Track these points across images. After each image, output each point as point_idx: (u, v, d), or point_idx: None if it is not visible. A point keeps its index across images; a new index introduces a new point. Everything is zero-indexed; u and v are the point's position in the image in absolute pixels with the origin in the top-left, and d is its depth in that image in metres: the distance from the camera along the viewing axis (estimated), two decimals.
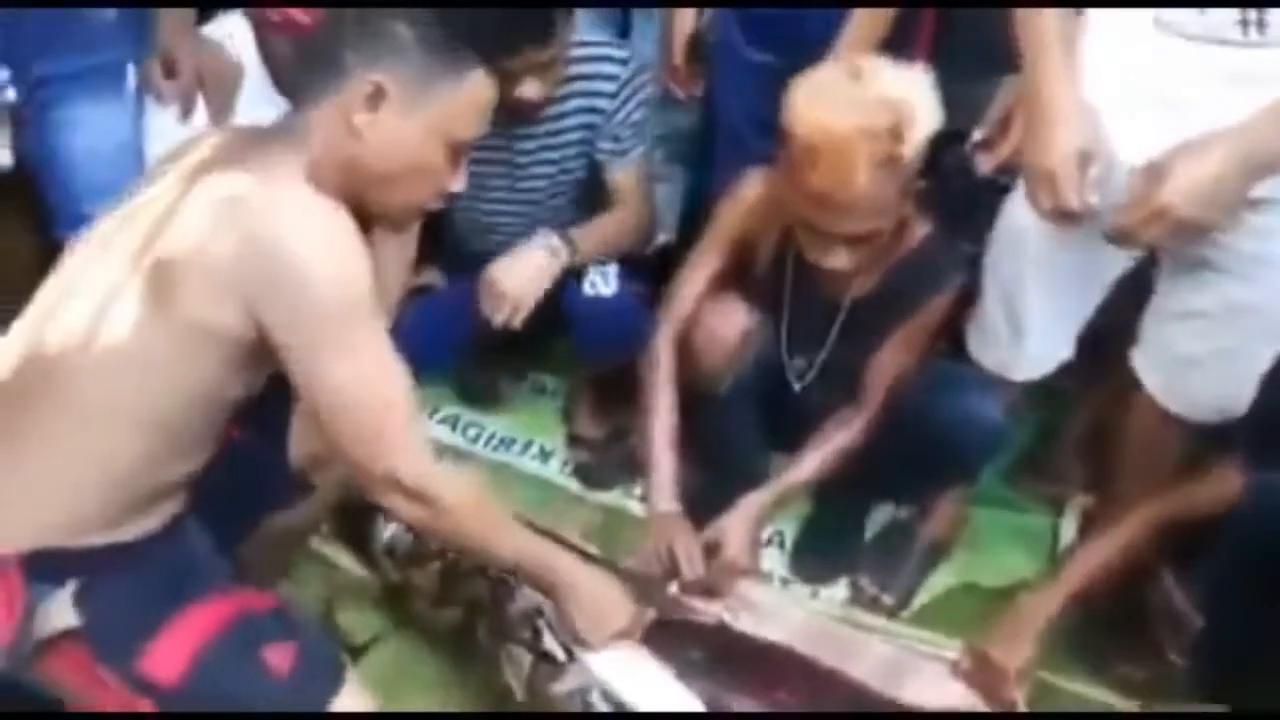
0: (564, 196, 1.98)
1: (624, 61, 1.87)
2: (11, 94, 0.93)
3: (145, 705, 1.21)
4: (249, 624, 1.26)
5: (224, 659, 1.23)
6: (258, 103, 1.70)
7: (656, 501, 1.73)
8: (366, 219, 1.31)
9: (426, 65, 1.21)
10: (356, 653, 1.67)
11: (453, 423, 2.20)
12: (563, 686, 1.41)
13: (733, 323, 1.73)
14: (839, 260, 1.57)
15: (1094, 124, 1.40)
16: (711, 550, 1.68)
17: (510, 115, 1.74)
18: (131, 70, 1.63)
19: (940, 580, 1.92)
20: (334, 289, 1.15)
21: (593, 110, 1.87)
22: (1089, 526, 1.92)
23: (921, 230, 1.69)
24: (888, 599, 1.87)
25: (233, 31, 1.72)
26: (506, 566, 1.39)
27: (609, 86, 1.86)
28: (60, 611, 1.20)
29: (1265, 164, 1.31)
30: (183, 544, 1.31)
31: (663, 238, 2.14)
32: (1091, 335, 1.71)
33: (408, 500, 1.24)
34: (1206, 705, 1.49)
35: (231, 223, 1.15)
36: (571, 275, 1.89)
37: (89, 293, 1.22)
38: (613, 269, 1.90)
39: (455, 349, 2.09)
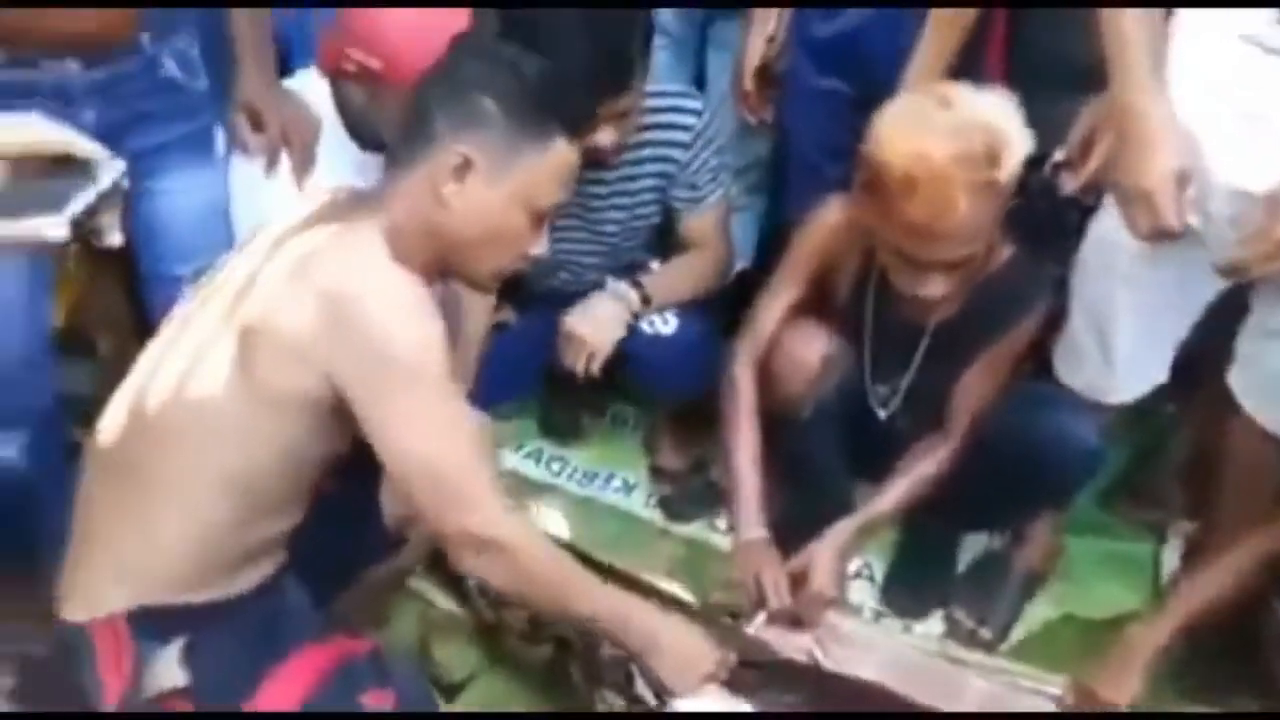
0: (638, 239, 1.99)
1: (698, 112, 1.88)
2: (126, 182, 0.96)
3: None
4: (348, 672, 1.29)
5: (326, 708, 1.26)
6: (335, 152, 1.73)
7: (742, 528, 1.73)
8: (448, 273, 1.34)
9: (511, 136, 1.25)
10: (453, 690, 1.68)
11: (537, 457, 2.22)
12: None
13: (813, 347, 1.72)
14: (934, 288, 1.55)
15: (1189, 142, 1.36)
16: (798, 580, 1.67)
17: (585, 161, 1.76)
18: (220, 132, 1.67)
19: (1038, 612, 1.87)
20: (405, 355, 1.19)
21: (667, 159, 1.88)
22: (1192, 554, 1.86)
23: (1005, 253, 1.66)
24: (985, 632, 1.83)
25: (308, 85, 1.76)
26: (584, 622, 1.38)
27: (683, 136, 1.87)
28: (168, 670, 1.24)
29: None
30: (280, 598, 1.35)
31: (740, 264, 2.13)
32: (1189, 355, 1.66)
33: (482, 554, 1.25)
34: None
35: (308, 289, 1.19)
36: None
37: (182, 357, 1.26)
38: (672, 307, 1.90)
39: (532, 384, 2.12)
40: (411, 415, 1.20)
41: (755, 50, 1.96)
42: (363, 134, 1.70)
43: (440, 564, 1.82)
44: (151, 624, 1.25)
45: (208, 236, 1.60)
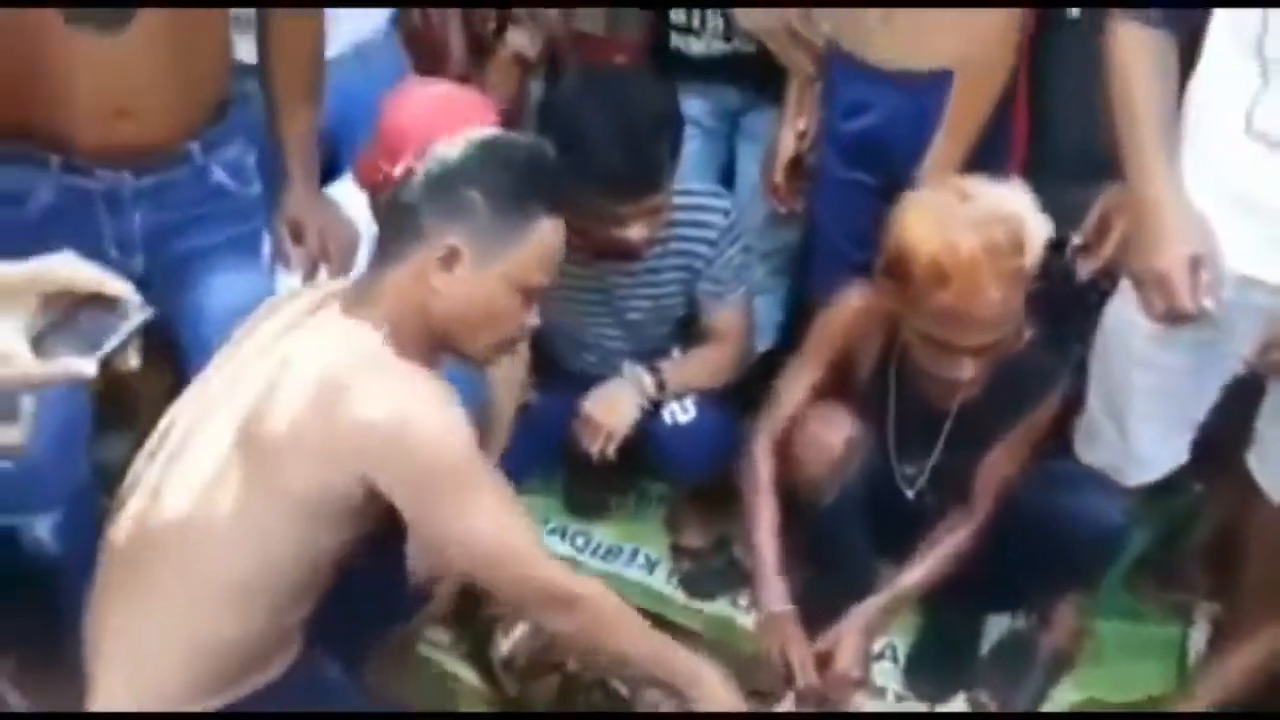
0: (664, 326, 2.03)
1: (725, 211, 1.92)
2: (149, 313, 1.01)
3: None
4: None
5: None
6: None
7: (766, 602, 1.74)
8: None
9: (496, 223, 1.27)
10: None
11: (561, 532, 2.23)
12: None
13: (837, 430, 1.74)
14: (964, 371, 1.58)
15: (1203, 227, 1.39)
16: (824, 661, 1.67)
17: (614, 254, 1.83)
18: (267, 236, 1.71)
19: (1064, 696, 1.86)
20: (443, 454, 1.22)
21: (693, 254, 1.92)
22: (1219, 637, 1.84)
23: (1026, 334, 1.68)
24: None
25: (349, 192, 1.80)
26: (641, 665, 1.43)
27: (710, 234, 1.91)
28: None
29: None
30: (311, 677, 1.36)
31: (764, 344, 2.16)
32: (1212, 435, 1.67)
33: (563, 611, 1.30)
34: None
35: (329, 403, 1.19)
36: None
37: (192, 466, 1.27)
38: (691, 396, 1.93)
39: (554, 462, 2.15)
40: (461, 507, 1.24)
41: (787, 144, 2.02)
42: None
43: (465, 642, 1.86)
44: None
45: None
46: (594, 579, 1.37)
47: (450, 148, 1.30)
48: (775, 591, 1.73)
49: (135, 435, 2.02)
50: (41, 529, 1.57)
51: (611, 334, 2.02)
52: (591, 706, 1.59)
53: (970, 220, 1.48)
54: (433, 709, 1.77)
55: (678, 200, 1.85)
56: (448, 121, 1.56)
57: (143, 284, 1.63)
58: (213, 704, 1.28)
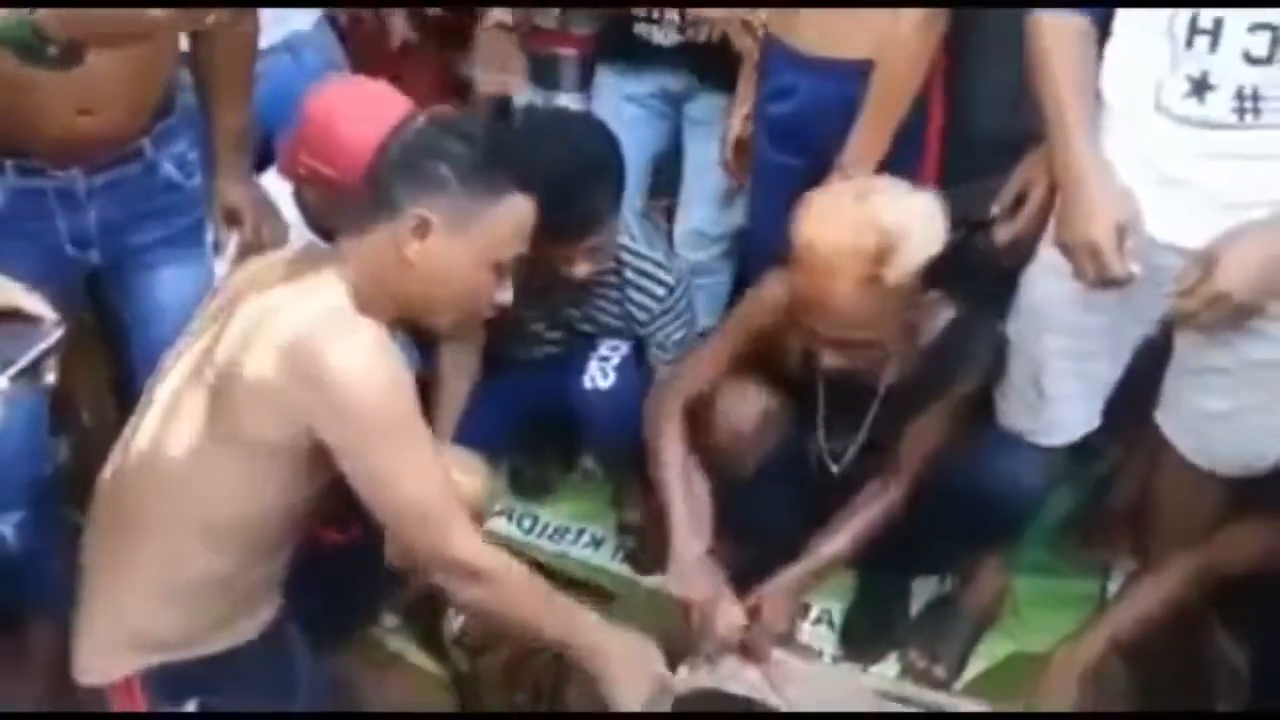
0: (600, 329, 2.09)
1: (669, 287, 1.99)
2: (62, 332, 1.04)
3: None
4: None
5: None
6: None
7: (678, 550, 1.75)
8: (425, 334, 1.42)
9: (467, 197, 1.31)
10: None
11: (509, 515, 2.27)
12: None
13: (749, 404, 1.81)
14: (829, 360, 1.65)
15: (1127, 197, 1.46)
16: (751, 616, 1.74)
17: (554, 285, 1.90)
18: (209, 226, 1.75)
19: (990, 650, 1.94)
20: (382, 404, 1.25)
21: (636, 306, 2.00)
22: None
23: (947, 315, 1.75)
24: (939, 670, 1.89)
25: (277, 181, 1.85)
26: (552, 638, 1.46)
27: (650, 303, 1.99)
28: None
29: None
30: (287, 656, 1.41)
31: (705, 322, 2.22)
32: (1126, 398, 1.74)
33: (468, 579, 1.33)
34: None
35: (278, 344, 1.25)
36: (576, 369, 2.00)
37: (158, 415, 1.34)
38: (613, 362, 2.00)
39: (502, 444, 2.18)
40: (393, 462, 1.27)
41: (735, 126, 2.09)
42: (320, 228, 1.78)
43: (417, 624, 1.90)
44: (165, 684, 1.32)
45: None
46: (503, 553, 1.40)
47: (417, 124, 1.35)
48: (685, 536, 1.75)
49: (79, 440, 2.06)
50: (4, 527, 1.61)
51: (550, 336, 2.09)
52: (540, 678, 1.64)
53: (849, 220, 1.54)
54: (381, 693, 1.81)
55: (626, 257, 1.95)
56: (364, 116, 1.62)
57: (95, 279, 1.69)
58: (192, 652, 1.32)
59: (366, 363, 1.25)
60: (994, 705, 1.78)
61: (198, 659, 1.33)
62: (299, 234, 1.81)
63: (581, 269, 1.86)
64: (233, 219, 1.75)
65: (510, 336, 2.06)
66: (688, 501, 1.78)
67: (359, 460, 1.27)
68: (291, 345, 1.24)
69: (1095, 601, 2.02)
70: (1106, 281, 1.46)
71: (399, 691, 1.84)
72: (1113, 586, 2.03)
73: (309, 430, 1.26)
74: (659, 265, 1.99)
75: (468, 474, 1.65)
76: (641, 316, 1.99)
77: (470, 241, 1.32)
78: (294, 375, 1.24)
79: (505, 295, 1.40)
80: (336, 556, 1.48)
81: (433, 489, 1.31)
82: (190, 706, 1.31)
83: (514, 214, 1.35)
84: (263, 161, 1.89)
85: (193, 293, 1.59)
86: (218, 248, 1.75)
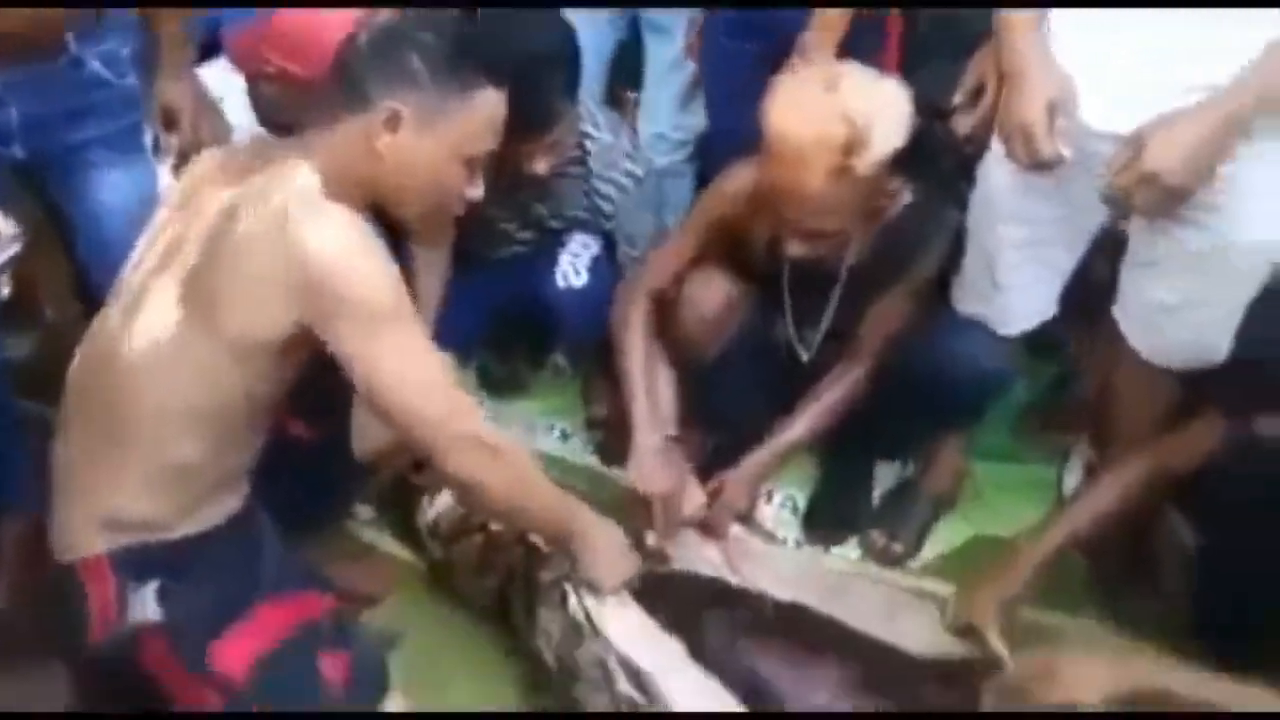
0: (568, 224, 2.08)
1: (637, 178, 1.97)
2: (20, 246, 1.05)
3: (213, 699, 1.35)
4: (309, 631, 1.39)
5: (283, 665, 1.36)
6: None
7: (639, 434, 1.77)
8: (397, 229, 1.41)
9: (438, 90, 1.31)
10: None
11: None
12: (586, 654, 1.51)
13: (714, 290, 1.83)
14: (795, 250, 1.66)
15: (1061, 79, 1.48)
16: (712, 499, 1.79)
17: (520, 183, 1.88)
18: (148, 129, 1.74)
19: (950, 533, 2.00)
20: (376, 290, 1.26)
21: (602, 202, 1.98)
22: (1091, 476, 1.98)
23: (906, 198, 1.75)
24: (897, 547, 1.95)
25: (222, 75, 1.83)
26: (542, 519, 1.51)
27: (618, 194, 1.98)
28: (147, 607, 1.34)
29: (1239, 127, 1.39)
30: (254, 543, 1.44)
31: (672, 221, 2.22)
32: (1084, 292, 1.77)
33: (482, 453, 1.35)
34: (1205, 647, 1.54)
35: (269, 241, 1.24)
36: (548, 267, 2.00)
37: (127, 307, 1.34)
38: (584, 260, 2.01)
39: (471, 341, 2.21)
40: (392, 345, 1.27)
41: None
42: (276, 124, 1.76)
43: (391, 513, 1.93)
44: (131, 564, 1.34)
45: (142, 224, 1.66)
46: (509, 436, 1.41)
47: (387, 24, 1.33)
48: (645, 425, 1.78)
49: (42, 336, 2.06)
50: None
51: (520, 235, 2.08)
52: (512, 563, 1.68)
53: (820, 110, 1.53)
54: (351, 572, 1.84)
55: (592, 147, 1.93)
56: (335, 16, 1.59)
57: (25, 172, 1.68)
58: (159, 536, 1.35)
59: (352, 244, 1.26)
60: (952, 586, 1.82)
61: (164, 543, 1.35)
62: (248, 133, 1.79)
63: (542, 165, 1.86)
64: (170, 119, 1.73)
65: (480, 236, 2.05)
66: (650, 393, 1.80)
67: (358, 346, 1.27)
68: (268, 236, 1.24)
69: (1053, 487, 2.08)
70: (1038, 164, 1.48)
71: (373, 579, 1.88)
72: (1069, 472, 2.08)
73: (293, 321, 1.26)
74: (625, 155, 1.98)
75: None
76: (608, 208, 1.99)
77: (441, 136, 1.32)
78: (274, 266, 1.24)
79: (476, 191, 1.40)
80: (307, 450, 1.50)
81: (434, 367, 1.32)
82: (154, 587, 1.34)
83: (486, 108, 1.35)
84: (206, 52, 1.86)
85: (136, 193, 1.60)
86: (158, 148, 1.74)
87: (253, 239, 1.25)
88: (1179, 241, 1.52)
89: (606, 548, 1.52)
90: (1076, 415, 2.13)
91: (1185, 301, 1.57)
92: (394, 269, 1.29)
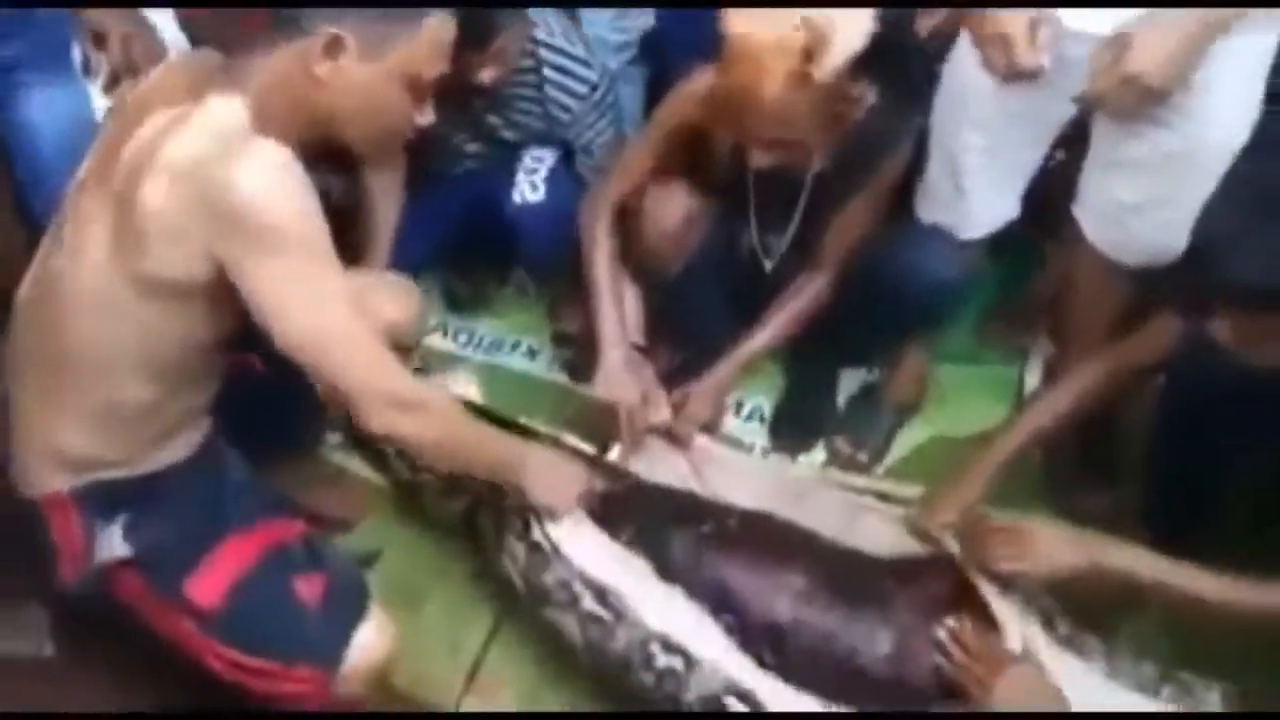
0: (524, 138, 2.04)
1: (591, 85, 1.92)
2: None
3: (190, 627, 1.36)
4: (281, 556, 1.39)
5: (259, 589, 1.36)
6: None
7: (605, 348, 1.79)
8: (346, 155, 1.37)
9: (383, 14, 1.24)
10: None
11: (444, 330, 2.29)
12: (551, 577, 1.54)
13: (674, 205, 1.81)
14: (759, 160, 1.64)
15: None
16: (677, 410, 1.81)
17: (469, 92, 1.83)
18: (75, 47, 1.69)
19: (913, 435, 2.03)
20: (293, 234, 1.20)
21: (555, 104, 1.93)
22: (1051, 374, 2.01)
23: (869, 100, 1.72)
24: (862, 455, 1.99)
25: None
26: (477, 463, 1.50)
27: (572, 103, 1.93)
28: (113, 543, 1.34)
29: (1221, 28, 1.38)
30: (219, 475, 1.43)
31: (629, 132, 2.18)
32: (1051, 191, 1.76)
33: (406, 412, 1.31)
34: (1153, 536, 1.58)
35: (176, 170, 1.19)
36: (505, 184, 1.98)
37: (66, 239, 1.29)
38: (541, 174, 1.98)
39: (431, 258, 2.19)
40: (306, 297, 1.22)
41: None
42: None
43: (358, 438, 1.94)
44: (95, 500, 1.34)
45: (75, 146, 1.62)
46: (423, 383, 1.39)
47: None
48: (612, 343, 1.78)
49: None
50: None
51: (471, 148, 2.04)
52: (478, 486, 1.68)
53: (779, 15, 1.49)
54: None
55: (544, 54, 1.88)
56: None
57: None
58: (120, 473, 1.34)
59: (269, 183, 1.19)
60: (917, 488, 1.85)
61: (127, 479, 1.35)
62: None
63: (489, 74, 1.81)
64: (99, 38, 1.69)
65: (432, 151, 2.01)
66: (616, 307, 1.80)
67: (274, 294, 1.22)
68: (188, 172, 1.19)
69: (1013, 386, 2.10)
70: (1016, 73, 1.45)
71: (346, 505, 1.90)
72: (1029, 370, 2.11)
73: (211, 264, 1.22)
74: (579, 61, 1.93)
75: (400, 299, 1.65)
76: (564, 117, 1.94)
77: (386, 60, 1.26)
78: (192, 202, 1.19)
79: (426, 116, 1.34)
80: (269, 382, 1.49)
81: (356, 325, 1.27)
82: (120, 522, 1.34)
83: (433, 32, 1.28)
84: None
85: (67, 114, 1.56)
86: (88, 69, 1.69)
87: (173, 175, 1.19)
88: (1148, 143, 1.51)
89: (548, 474, 1.52)
90: (1035, 313, 2.15)
91: (1149, 201, 1.57)
92: (315, 210, 1.23)
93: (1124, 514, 1.76)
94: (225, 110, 1.23)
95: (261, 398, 1.47)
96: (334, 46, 1.23)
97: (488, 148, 2.04)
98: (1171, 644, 1.58)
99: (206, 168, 1.19)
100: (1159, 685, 1.48)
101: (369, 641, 1.38)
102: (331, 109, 1.28)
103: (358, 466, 1.96)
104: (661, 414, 1.78)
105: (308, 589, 1.38)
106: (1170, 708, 1.45)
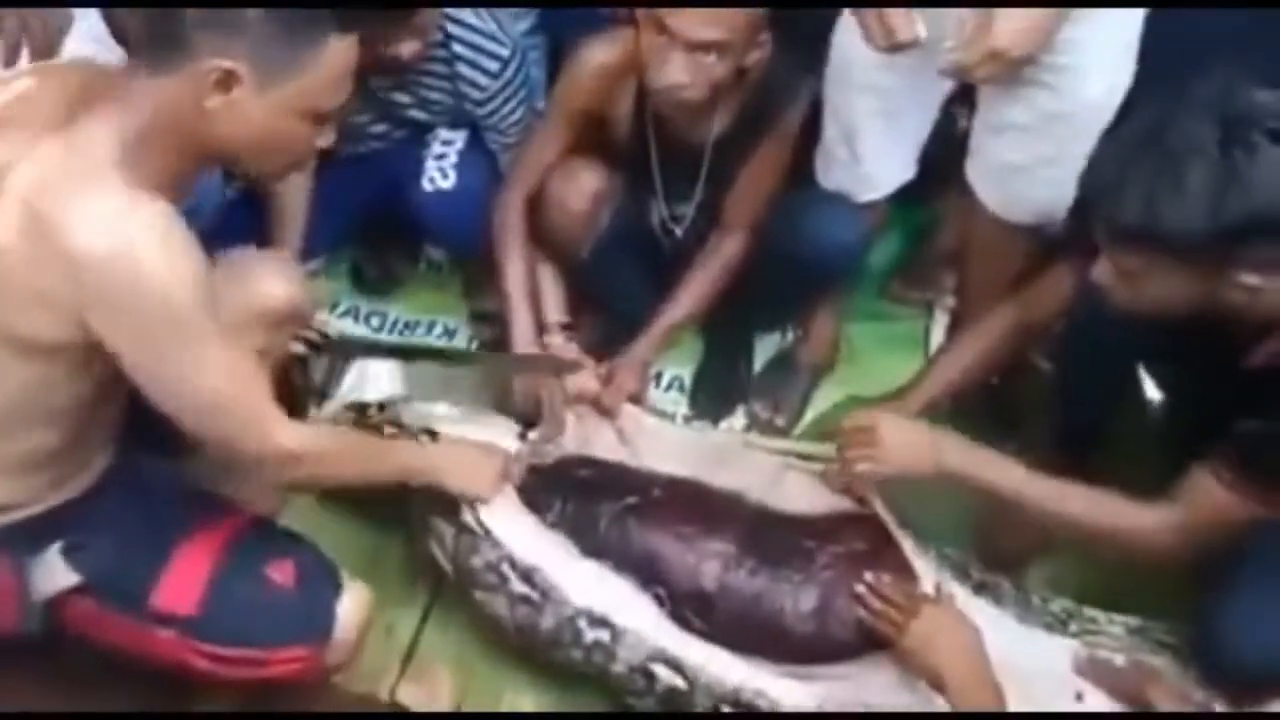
0: (433, 117, 2.01)
1: (503, 60, 1.88)
2: None
3: (164, 635, 1.33)
4: (245, 546, 1.37)
5: (236, 585, 1.34)
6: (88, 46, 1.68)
7: (518, 343, 1.83)
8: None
9: (279, 45, 1.14)
10: None
11: (355, 314, 2.25)
12: (479, 559, 1.55)
13: (579, 184, 1.83)
14: (676, 74, 1.60)
15: None
16: (604, 384, 1.82)
17: (384, 67, 1.79)
18: None
19: (826, 396, 2.08)
20: (168, 294, 1.12)
21: (466, 82, 1.90)
22: (954, 329, 2.06)
23: (763, 54, 1.72)
24: (779, 419, 2.04)
25: None
26: (383, 477, 1.50)
27: (483, 80, 1.89)
28: (57, 573, 1.30)
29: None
30: (142, 489, 1.39)
31: (541, 104, 2.17)
32: (948, 148, 1.81)
33: (289, 465, 1.30)
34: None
35: (39, 231, 1.11)
36: (414, 172, 1.96)
37: None
38: (451, 160, 1.96)
39: (338, 240, 2.17)
40: (193, 362, 1.17)
41: None
42: (125, 36, 1.64)
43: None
44: (14, 539, 1.29)
45: None
46: (310, 426, 1.42)
47: None
48: (523, 333, 1.82)
49: None
50: None
51: (379, 128, 2.01)
52: None
53: None
54: None
55: (454, 30, 1.84)
56: None
57: None
58: (35, 510, 1.31)
59: (140, 241, 1.09)
60: (829, 447, 1.90)
61: (44, 512, 1.31)
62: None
63: (409, 49, 1.77)
64: None
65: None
66: (528, 297, 1.83)
67: (147, 358, 1.16)
68: (49, 226, 1.09)
69: (920, 341, 2.16)
70: (895, 47, 1.49)
71: (265, 497, 1.85)
72: (935, 326, 2.17)
73: (80, 321, 1.13)
74: (490, 37, 1.89)
75: (281, 279, 1.58)
76: (475, 95, 1.91)
77: (283, 93, 1.15)
78: (56, 264, 1.09)
79: (326, 139, 1.26)
80: None
81: (237, 382, 1.21)
82: (55, 551, 1.30)
83: (333, 62, 1.17)
84: None
85: None
86: None
87: (19, 231, 1.10)
88: (1029, 105, 1.56)
89: (459, 464, 1.53)
90: (940, 270, 2.20)
91: (1035, 160, 1.63)
92: (192, 261, 1.14)
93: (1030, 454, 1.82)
94: (83, 147, 1.12)
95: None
96: (226, 81, 1.13)
97: (390, 127, 2.01)
98: (1080, 581, 1.66)
99: (61, 226, 1.09)
100: (1067, 621, 1.56)
101: (351, 608, 1.39)
102: (223, 143, 1.18)
103: None
104: (589, 386, 1.80)
105: (280, 574, 1.37)
106: (1077, 642, 1.53)
